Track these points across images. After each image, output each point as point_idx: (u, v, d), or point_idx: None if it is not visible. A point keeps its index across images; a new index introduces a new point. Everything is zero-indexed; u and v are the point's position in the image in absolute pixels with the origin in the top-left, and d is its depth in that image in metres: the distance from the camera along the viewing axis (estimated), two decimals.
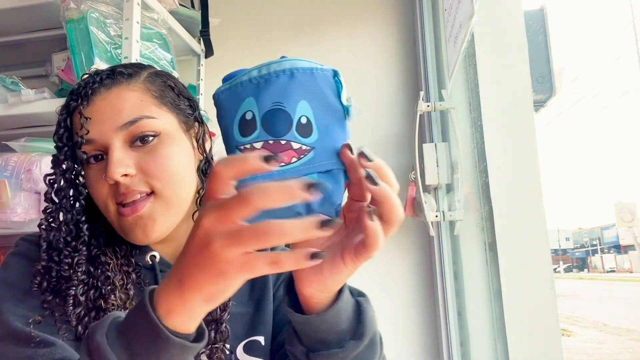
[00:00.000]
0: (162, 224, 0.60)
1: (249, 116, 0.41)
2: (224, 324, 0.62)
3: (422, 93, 1.38)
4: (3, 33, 1.39)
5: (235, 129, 0.42)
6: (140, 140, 0.60)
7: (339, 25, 1.66)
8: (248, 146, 0.41)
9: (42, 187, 1.14)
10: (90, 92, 0.60)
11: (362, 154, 0.40)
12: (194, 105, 0.68)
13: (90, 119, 0.59)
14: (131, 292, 0.61)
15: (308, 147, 0.41)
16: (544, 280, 0.96)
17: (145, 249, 0.65)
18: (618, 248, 44.33)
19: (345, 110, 0.43)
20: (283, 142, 0.41)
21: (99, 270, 0.60)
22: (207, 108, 1.61)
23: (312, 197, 0.34)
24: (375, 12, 1.65)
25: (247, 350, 0.64)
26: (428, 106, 1.36)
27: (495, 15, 1.09)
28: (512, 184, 1.04)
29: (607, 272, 40.11)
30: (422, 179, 1.36)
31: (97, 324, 0.42)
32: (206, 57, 1.64)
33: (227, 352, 0.62)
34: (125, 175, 0.58)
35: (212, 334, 0.61)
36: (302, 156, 0.41)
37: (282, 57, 0.43)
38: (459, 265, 1.37)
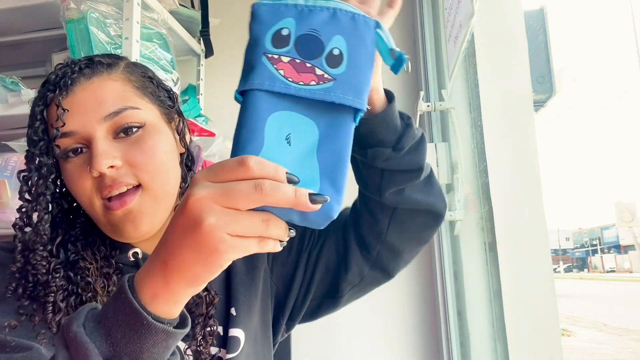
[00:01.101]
0: (152, 217, 0.58)
1: (285, 32, 0.44)
2: (212, 319, 0.62)
3: (422, 93, 1.38)
4: (3, 33, 1.39)
5: (267, 38, 0.44)
6: (124, 132, 0.58)
7: None
8: (276, 56, 0.43)
9: None
10: (69, 81, 0.58)
11: None
12: (173, 98, 0.66)
13: (68, 110, 0.57)
14: None
15: (330, 77, 0.43)
16: (544, 280, 0.96)
17: (126, 246, 0.63)
18: (618, 248, 44.33)
19: (399, 57, 0.47)
20: (308, 64, 0.43)
21: (79, 277, 0.57)
22: (209, 108, 1.60)
23: (311, 208, 0.36)
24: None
25: (229, 324, 0.65)
26: (428, 106, 1.36)
27: (495, 15, 1.09)
28: (512, 184, 1.04)
29: (607, 272, 40.12)
30: None
31: (73, 316, 0.39)
32: (206, 57, 1.64)
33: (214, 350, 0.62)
34: (112, 167, 0.56)
35: (199, 329, 0.60)
36: (321, 82, 0.43)
37: None
38: (459, 265, 1.37)
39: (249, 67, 0.45)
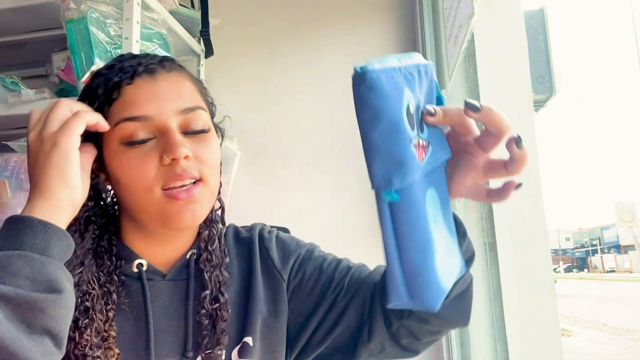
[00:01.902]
0: (206, 209, 0.60)
1: (411, 109, 0.42)
2: (223, 332, 0.61)
3: None
4: (3, 33, 1.39)
5: (404, 121, 0.40)
6: (191, 128, 0.59)
7: (339, 25, 1.66)
8: (415, 142, 0.41)
9: None
10: (152, 67, 0.59)
11: (469, 106, 0.46)
12: (213, 111, 0.68)
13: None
14: (110, 316, 0.58)
15: (426, 142, 0.43)
16: (544, 280, 0.96)
17: (131, 257, 0.62)
18: (618, 248, 44.33)
19: (440, 101, 0.47)
20: (422, 142, 0.43)
21: (79, 300, 0.56)
22: None
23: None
24: (375, 12, 1.65)
25: (241, 353, 0.63)
26: None
27: (495, 15, 1.09)
28: None
29: (607, 272, 40.11)
30: None
31: None
32: (206, 57, 1.64)
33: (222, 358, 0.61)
34: (186, 157, 0.56)
35: (208, 340, 0.60)
36: (427, 151, 0.43)
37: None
38: None
39: (398, 159, 0.39)
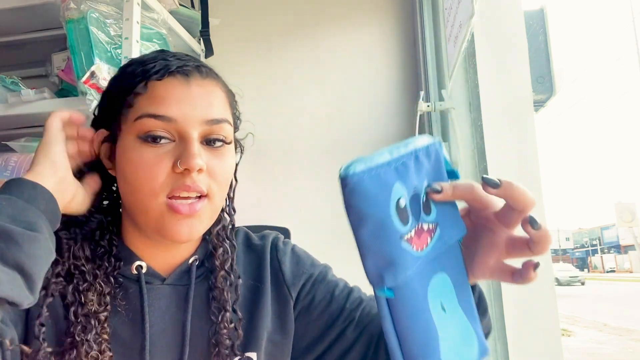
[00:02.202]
0: (205, 225, 0.58)
1: (402, 203, 0.39)
2: (226, 347, 0.60)
3: (422, 93, 1.38)
4: (3, 33, 1.39)
5: (395, 218, 0.38)
6: (212, 141, 0.57)
7: (339, 25, 1.66)
8: (409, 236, 0.39)
9: None
10: (187, 69, 0.57)
11: (487, 182, 0.43)
12: (238, 125, 0.66)
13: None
14: (102, 318, 0.56)
15: (434, 224, 0.42)
16: (544, 280, 0.96)
17: (131, 258, 0.61)
18: (618, 248, 44.31)
19: (454, 175, 0.45)
20: (425, 227, 0.41)
21: (74, 297, 0.55)
22: None
23: None
24: (375, 12, 1.65)
25: None
26: (428, 106, 1.36)
27: (495, 15, 1.09)
28: None
29: (607, 272, 40.10)
30: None
31: None
32: (206, 57, 1.64)
33: None
34: (199, 170, 0.54)
35: (209, 351, 0.59)
36: (433, 235, 0.42)
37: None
38: None
39: (388, 259, 0.39)
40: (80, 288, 0.56)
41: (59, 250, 0.55)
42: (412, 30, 1.60)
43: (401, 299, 0.39)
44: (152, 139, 0.54)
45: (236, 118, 0.64)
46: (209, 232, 0.65)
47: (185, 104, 0.55)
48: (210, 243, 0.65)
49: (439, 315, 0.41)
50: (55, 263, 0.55)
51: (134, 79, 0.57)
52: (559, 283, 23.04)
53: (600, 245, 48.65)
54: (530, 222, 0.43)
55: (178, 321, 0.60)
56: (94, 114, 0.63)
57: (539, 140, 1.07)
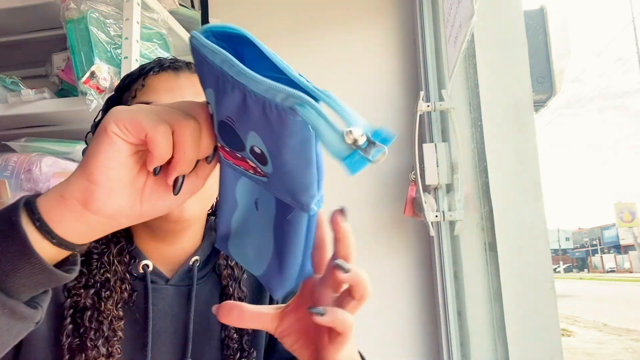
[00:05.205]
0: (198, 204, 0.59)
1: (210, 109, 0.36)
2: (229, 346, 0.61)
3: (422, 93, 1.38)
4: (3, 33, 1.39)
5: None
6: None
7: (339, 26, 1.66)
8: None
9: (42, 187, 1.14)
10: (178, 65, 0.62)
11: (338, 266, 0.37)
12: None
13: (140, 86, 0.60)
14: (119, 314, 0.57)
15: (263, 173, 0.36)
16: (544, 280, 0.96)
17: (139, 256, 0.62)
18: (618, 248, 44.33)
19: (353, 156, 0.32)
20: (239, 155, 0.36)
21: (90, 291, 0.56)
22: None
23: None
24: (375, 12, 1.65)
25: None
26: (428, 106, 1.36)
27: (495, 15, 1.09)
28: (512, 184, 1.04)
29: (607, 272, 40.12)
30: (422, 179, 1.36)
31: None
32: None
33: None
34: None
35: (210, 349, 0.61)
36: (258, 175, 0.37)
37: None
38: (459, 265, 1.37)
39: None
40: (103, 295, 0.57)
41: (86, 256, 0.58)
42: (412, 30, 1.60)
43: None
44: None
45: None
46: (210, 230, 0.67)
47: (175, 92, 0.60)
48: (212, 239, 0.67)
49: (247, 202, 0.41)
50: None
51: (134, 77, 0.63)
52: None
53: (600, 245, 48.67)
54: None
55: (180, 321, 0.61)
56: (94, 120, 0.67)
57: (539, 140, 1.07)
